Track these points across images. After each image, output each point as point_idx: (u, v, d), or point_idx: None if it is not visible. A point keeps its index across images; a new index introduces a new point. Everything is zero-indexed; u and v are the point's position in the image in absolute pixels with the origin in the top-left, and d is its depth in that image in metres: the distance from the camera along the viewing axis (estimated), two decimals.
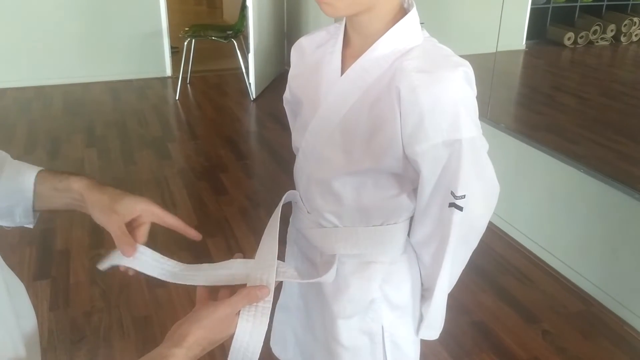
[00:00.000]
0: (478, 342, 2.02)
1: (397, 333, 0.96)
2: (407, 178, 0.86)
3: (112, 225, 0.83)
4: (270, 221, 0.87)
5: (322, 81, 0.88)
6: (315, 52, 0.93)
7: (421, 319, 0.97)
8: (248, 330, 0.75)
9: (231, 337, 0.75)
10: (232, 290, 0.79)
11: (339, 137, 0.86)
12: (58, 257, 2.52)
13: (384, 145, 0.81)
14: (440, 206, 0.83)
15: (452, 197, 0.80)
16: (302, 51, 0.96)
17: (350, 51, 0.87)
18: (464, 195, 0.80)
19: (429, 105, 0.76)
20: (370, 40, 0.82)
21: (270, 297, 0.77)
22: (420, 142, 0.78)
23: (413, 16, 0.82)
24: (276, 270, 0.81)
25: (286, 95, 1.03)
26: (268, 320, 0.76)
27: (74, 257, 2.51)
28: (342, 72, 0.86)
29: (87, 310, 2.17)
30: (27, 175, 0.85)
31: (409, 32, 0.82)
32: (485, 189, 0.83)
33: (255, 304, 0.76)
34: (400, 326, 0.96)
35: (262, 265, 0.80)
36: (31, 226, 0.90)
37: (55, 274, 2.39)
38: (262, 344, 0.75)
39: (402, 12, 0.83)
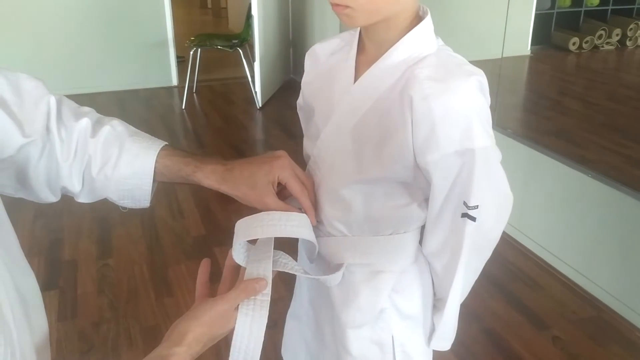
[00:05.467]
0: (489, 349, 2.00)
1: (407, 343, 0.95)
2: (418, 187, 0.85)
3: (270, 204, 0.83)
4: None
5: (335, 88, 0.88)
6: (329, 59, 0.93)
7: (433, 329, 0.96)
8: (248, 323, 0.74)
9: (232, 331, 0.75)
10: (231, 285, 0.78)
11: (351, 144, 0.85)
12: (65, 267, 2.52)
13: (395, 153, 0.81)
14: (453, 216, 0.82)
15: (465, 208, 0.79)
16: (316, 58, 0.96)
17: (364, 58, 0.86)
18: (477, 206, 0.79)
19: (441, 114, 0.76)
20: (385, 47, 0.82)
21: (269, 290, 0.76)
22: (432, 152, 0.78)
23: (427, 24, 0.82)
24: (278, 262, 0.81)
25: (299, 101, 1.02)
26: (267, 313, 0.75)
27: (81, 268, 2.52)
28: (356, 79, 0.86)
29: (95, 321, 2.17)
30: (147, 161, 0.85)
31: (422, 40, 0.81)
32: (499, 200, 0.82)
33: (253, 297, 0.75)
34: (411, 336, 0.95)
35: (259, 257, 0.80)
36: (147, 205, 0.90)
37: (63, 284, 2.39)
38: (262, 338, 0.74)
39: (417, 19, 0.82)
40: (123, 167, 0.85)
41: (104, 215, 2.94)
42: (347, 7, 0.76)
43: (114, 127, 0.87)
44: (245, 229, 0.81)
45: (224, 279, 0.82)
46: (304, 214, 0.85)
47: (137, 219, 2.92)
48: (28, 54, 4.84)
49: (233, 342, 0.74)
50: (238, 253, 0.81)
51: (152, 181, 0.86)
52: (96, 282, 2.41)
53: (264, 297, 0.76)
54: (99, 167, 0.85)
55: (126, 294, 2.33)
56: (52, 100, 0.84)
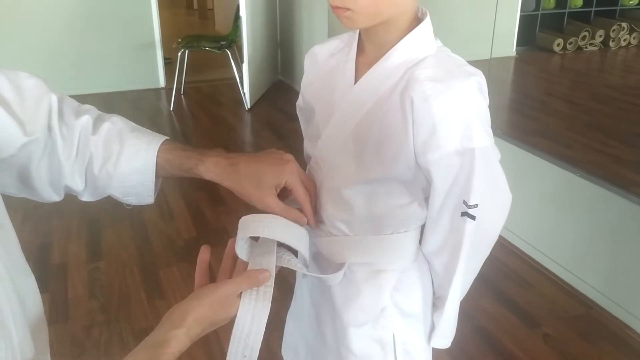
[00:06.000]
0: (481, 348, 2.02)
1: (408, 341, 0.96)
2: (419, 187, 0.87)
3: (272, 206, 0.83)
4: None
5: (336, 89, 0.89)
6: (328, 61, 0.93)
7: (433, 327, 0.97)
8: (250, 312, 0.74)
9: (231, 322, 0.74)
10: (230, 275, 0.79)
11: (352, 145, 0.86)
12: (55, 271, 2.50)
13: (396, 153, 0.82)
14: (453, 215, 0.83)
15: (465, 206, 0.81)
16: (316, 59, 0.96)
17: (363, 60, 0.87)
18: (477, 205, 0.80)
19: (442, 114, 0.77)
20: (384, 49, 0.83)
21: (272, 282, 0.76)
22: (433, 151, 0.79)
23: (427, 25, 0.83)
24: (281, 258, 0.81)
25: (299, 102, 1.03)
26: (270, 304, 0.75)
27: (71, 271, 2.49)
28: (356, 80, 0.86)
29: (87, 324, 2.15)
30: (148, 156, 0.84)
31: (422, 41, 0.82)
32: (498, 198, 0.84)
33: (256, 287, 0.75)
34: (411, 334, 0.96)
35: (262, 252, 0.80)
36: (151, 201, 0.89)
37: (53, 288, 2.37)
38: (264, 329, 0.74)
39: (417, 21, 0.84)
40: (124, 163, 0.84)
41: (93, 218, 2.91)
42: (347, 9, 0.77)
43: (114, 124, 0.87)
44: (251, 224, 0.81)
45: (223, 268, 0.82)
46: (304, 230, 0.86)
47: (126, 221, 2.90)
48: (14, 56, 4.79)
49: (234, 332, 0.74)
50: (241, 248, 0.82)
51: (154, 176, 0.85)
52: (87, 286, 2.39)
53: (267, 289, 0.76)
54: (101, 164, 0.84)
55: (117, 297, 2.32)
56: (54, 98, 0.83)
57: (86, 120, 0.84)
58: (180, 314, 0.70)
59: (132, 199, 0.88)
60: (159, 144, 0.86)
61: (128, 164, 0.84)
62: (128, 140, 0.86)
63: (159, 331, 0.70)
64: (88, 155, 0.84)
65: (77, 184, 0.85)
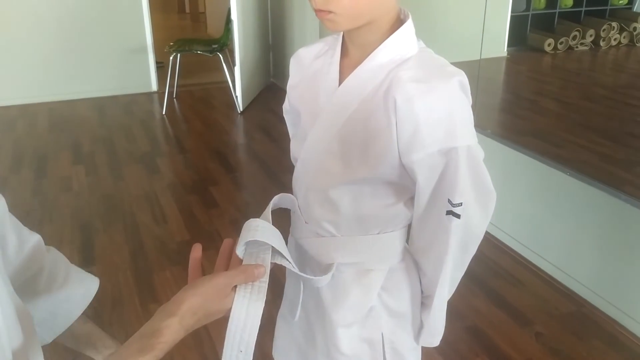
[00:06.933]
0: (473, 347, 2.03)
1: (397, 340, 0.96)
2: (404, 186, 0.87)
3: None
4: (263, 214, 0.88)
5: (321, 91, 0.90)
6: (313, 63, 0.94)
7: (421, 326, 0.98)
8: (245, 306, 0.74)
9: (224, 320, 0.74)
10: (226, 268, 0.79)
11: (337, 146, 0.87)
12: None
13: (381, 154, 0.83)
14: (438, 214, 0.84)
15: (450, 205, 0.82)
16: (301, 62, 0.97)
17: (347, 62, 0.88)
18: (461, 203, 0.81)
19: (425, 114, 0.78)
20: (368, 50, 0.84)
21: (266, 278, 0.77)
22: (417, 151, 0.80)
23: (409, 27, 0.84)
24: (274, 255, 0.82)
25: (285, 105, 1.04)
26: (265, 298, 0.75)
27: None
28: (340, 82, 0.87)
29: None
30: (87, 293, 0.91)
31: (404, 43, 0.83)
32: (482, 196, 0.84)
33: (251, 282, 0.76)
34: (400, 333, 0.97)
35: (257, 249, 0.81)
36: (51, 339, 0.91)
37: None
38: (259, 321, 0.74)
39: (399, 22, 0.85)
40: (66, 290, 0.88)
41: (86, 222, 2.91)
42: (330, 12, 0.78)
43: (57, 252, 0.92)
44: (252, 230, 0.81)
45: (217, 266, 0.82)
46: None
47: (119, 225, 2.90)
48: (6, 60, 4.78)
49: (229, 326, 0.74)
50: (240, 249, 0.82)
51: (80, 314, 0.90)
52: None
53: (262, 284, 0.76)
54: (47, 281, 0.87)
55: (111, 301, 2.31)
56: (4, 200, 0.82)
57: (39, 238, 0.88)
58: (174, 302, 0.70)
59: (43, 329, 0.89)
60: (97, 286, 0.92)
61: (69, 292, 0.88)
62: (71, 271, 0.91)
63: (152, 321, 0.70)
64: (37, 267, 0.86)
65: (7, 285, 0.85)
